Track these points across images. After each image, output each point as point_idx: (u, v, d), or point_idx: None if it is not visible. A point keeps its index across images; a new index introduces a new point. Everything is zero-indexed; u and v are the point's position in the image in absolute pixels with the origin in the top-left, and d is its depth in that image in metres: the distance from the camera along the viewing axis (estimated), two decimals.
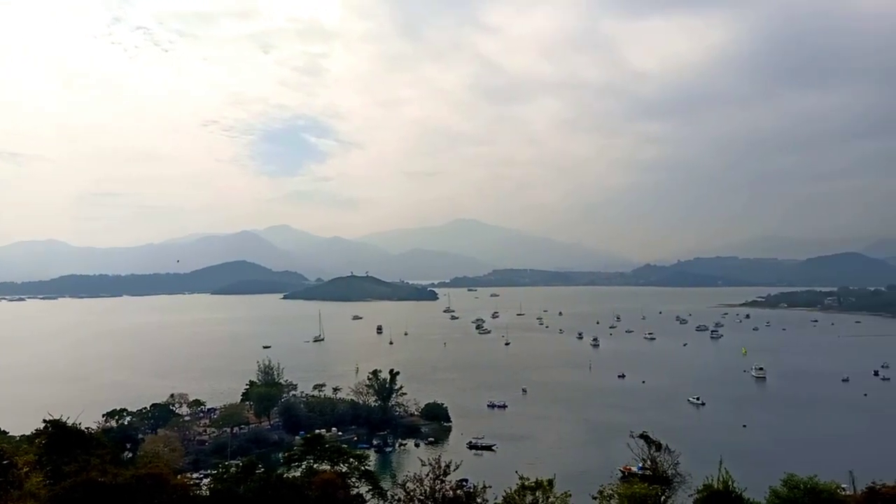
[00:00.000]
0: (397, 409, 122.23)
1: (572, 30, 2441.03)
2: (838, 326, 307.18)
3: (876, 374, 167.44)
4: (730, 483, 18.52)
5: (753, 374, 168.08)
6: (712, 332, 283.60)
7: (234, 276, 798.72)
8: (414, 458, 63.87)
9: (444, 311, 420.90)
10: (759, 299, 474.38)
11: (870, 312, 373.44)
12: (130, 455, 77.15)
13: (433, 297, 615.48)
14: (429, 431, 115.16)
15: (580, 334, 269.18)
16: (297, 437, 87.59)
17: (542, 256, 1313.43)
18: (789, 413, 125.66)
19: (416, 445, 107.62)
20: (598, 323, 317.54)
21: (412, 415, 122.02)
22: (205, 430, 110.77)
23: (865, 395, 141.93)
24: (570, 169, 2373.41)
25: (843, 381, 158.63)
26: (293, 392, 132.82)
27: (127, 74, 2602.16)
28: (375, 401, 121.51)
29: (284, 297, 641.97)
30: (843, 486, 27.64)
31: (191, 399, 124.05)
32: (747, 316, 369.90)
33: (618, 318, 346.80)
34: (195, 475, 67.84)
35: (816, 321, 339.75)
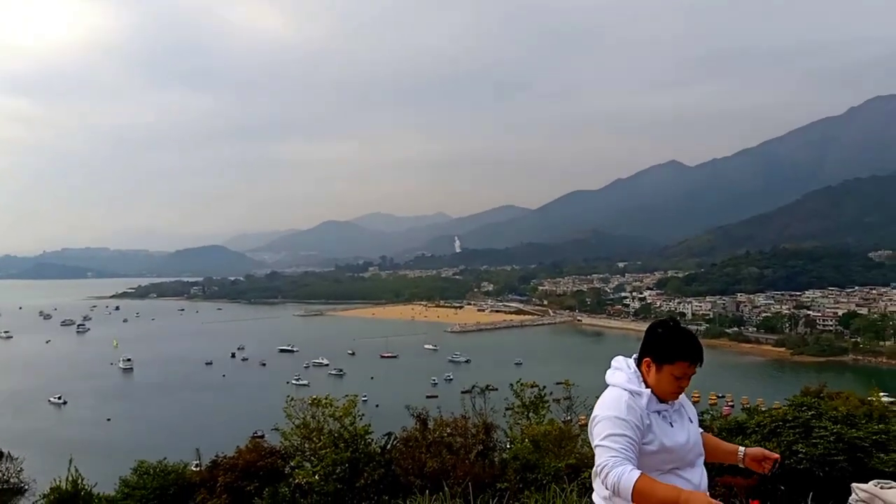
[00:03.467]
0: None
1: None
2: (203, 314, 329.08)
3: (233, 356, 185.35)
4: (79, 480, 17.81)
5: (121, 365, 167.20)
6: (79, 325, 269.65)
7: None
8: None
9: None
10: (130, 290, 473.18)
11: (230, 300, 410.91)
12: None
13: None
14: None
15: None
16: None
17: None
18: (155, 400, 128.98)
19: None
20: None
21: None
22: None
23: (224, 375, 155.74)
24: None
25: (207, 364, 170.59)
26: None
27: None
28: None
29: None
30: (195, 463, 29.69)
31: None
32: (117, 308, 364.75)
33: None
34: None
35: (183, 310, 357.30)
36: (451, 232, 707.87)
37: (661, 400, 3.74)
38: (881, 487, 3.50)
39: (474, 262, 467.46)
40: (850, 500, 3.55)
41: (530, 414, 13.12)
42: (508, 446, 12.18)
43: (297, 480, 11.52)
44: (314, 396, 14.02)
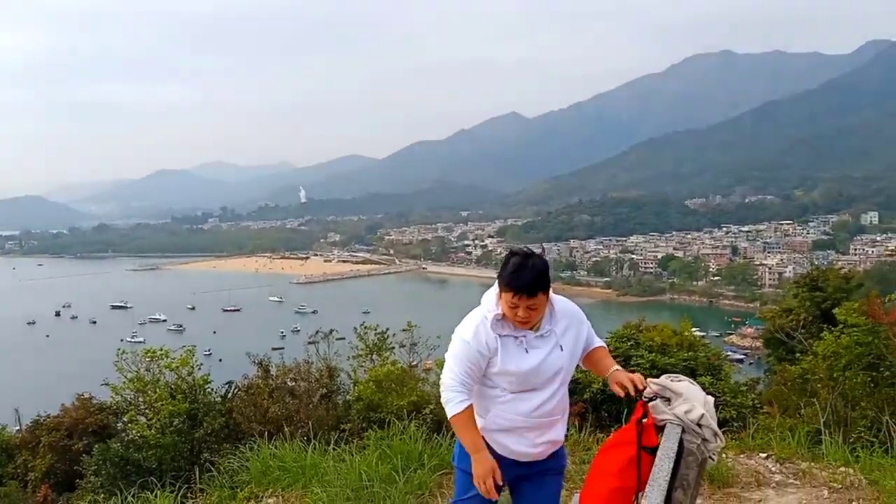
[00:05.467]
0: None
1: None
2: (20, 270, 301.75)
3: (58, 314, 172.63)
4: None
5: None
6: None
7: None
8: None
9: None
10: None
11: (52, 255, 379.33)
12: None
13: None
14: None
15: None
16: None
17: None
18: None
19: None
20: None
21: None
22: None
23: (48, 335, 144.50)
24: None
25: (29, 324, 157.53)
26: None
27: None
28: None
29: None
30: (15, 428, 27.59)
31: None
32: None
33: None
34: None
35: None
36: (296, 182, 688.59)
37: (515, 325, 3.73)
38: (671, 380, 3.85)
39: (320, 213, 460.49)
40: (644, 393, 3.78)
41: (373, 356, 13.36)
42: (352, 388, 12.40)
43: (130, 436, 11.05)
44: (148, 349, 13.45)
